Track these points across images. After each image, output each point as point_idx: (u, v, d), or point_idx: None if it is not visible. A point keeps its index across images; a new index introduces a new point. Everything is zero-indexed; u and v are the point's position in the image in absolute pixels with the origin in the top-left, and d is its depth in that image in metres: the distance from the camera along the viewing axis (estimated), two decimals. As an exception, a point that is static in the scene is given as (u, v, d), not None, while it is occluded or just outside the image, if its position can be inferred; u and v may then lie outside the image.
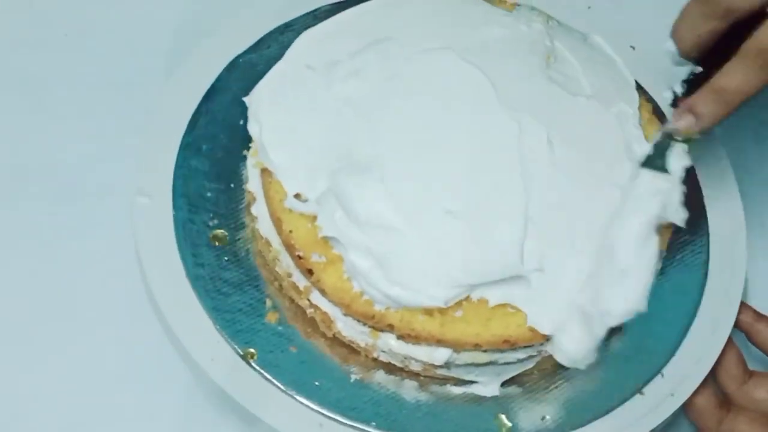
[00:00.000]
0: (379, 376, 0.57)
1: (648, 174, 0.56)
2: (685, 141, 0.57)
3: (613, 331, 0.58)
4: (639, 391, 0.58)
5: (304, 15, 0.67)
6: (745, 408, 0.59)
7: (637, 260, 0.54)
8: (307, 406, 0.55)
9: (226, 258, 0.59)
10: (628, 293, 0.54)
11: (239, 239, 0.59)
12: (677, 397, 0.58)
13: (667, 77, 0.56)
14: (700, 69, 0.56)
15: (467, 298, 0.54)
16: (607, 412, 0.57)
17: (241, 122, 0.61)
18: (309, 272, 0.55)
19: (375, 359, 0.57)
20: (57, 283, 0.62)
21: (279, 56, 0.61)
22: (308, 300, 0.56)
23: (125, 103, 0.68)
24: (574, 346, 0.54)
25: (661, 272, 0.60)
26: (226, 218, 0.60)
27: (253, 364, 0.55)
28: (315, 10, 0.67)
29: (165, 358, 0.59)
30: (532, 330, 0.54)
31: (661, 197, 0.56)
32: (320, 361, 0.57)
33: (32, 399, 0.59)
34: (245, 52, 0.65)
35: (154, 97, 0.63)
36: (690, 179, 0.58)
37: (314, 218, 0.55)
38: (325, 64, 0.60)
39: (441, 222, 0.54)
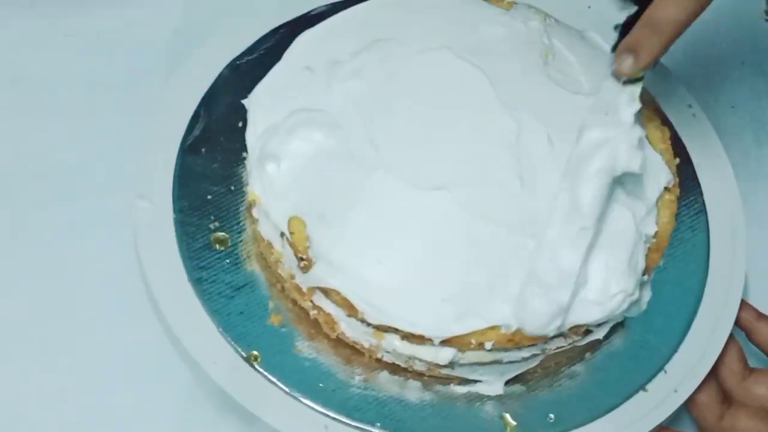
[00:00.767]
0: (383, 377, 0.57)
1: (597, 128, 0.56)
2: (633, 82, 0.56)
3: (615, 328, 0.59)
4: (642, 387, 0.58)
5: (299, 17, 0.66)
6: (745, 404, 0.60)
7: (592, 213, 0.54)
8: (312, 408, 0.55)
9: (227, 260, 0.59)
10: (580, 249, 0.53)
11: (240, 241, 0.59)
12: (681, 393, 0.58)
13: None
14: (635, 8, 0.55)
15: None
16: (612, 409, 0.57)
17: (240, 124, 0.60)
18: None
19: (379, 360, 0.57)
20: (57, 283, 0.62)
21: (276, 58, 0.61)
22: (311, 302, 0.56)
23: (125, 103, 0.68)
24: (535, 318, 0.53)
25: (662, 268, 0.60)
26: (227, 221, 0.60)
27: (257, 366, 0.55)
28: (310, 12, 0.67)
29: (165, 358, 0.59)
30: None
31: (609, 147, 0.55)
32: (324, 363, 0.57)
33: (32, 399, 0.59)
34: (243, 54, 0.64)
35: (154, 97, 0.62)
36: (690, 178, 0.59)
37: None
38: (324, 66, 0.60)
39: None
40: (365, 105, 0.58)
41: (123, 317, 0.61)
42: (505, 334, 0.54)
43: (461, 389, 0.57)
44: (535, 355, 0.56)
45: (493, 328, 0.54)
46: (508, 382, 0.57)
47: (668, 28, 0.53)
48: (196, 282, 0.57)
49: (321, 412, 0.55)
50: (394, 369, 0.57)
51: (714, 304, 0.61)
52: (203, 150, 0.61)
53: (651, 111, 0.62)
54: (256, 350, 0.56)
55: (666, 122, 0.63)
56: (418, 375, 0.57)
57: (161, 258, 0.58)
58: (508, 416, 0.56)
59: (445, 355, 0.55)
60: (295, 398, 0.55)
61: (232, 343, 0.56)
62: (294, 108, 0.58)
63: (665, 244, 0.58)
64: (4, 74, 0.69)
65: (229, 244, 0.59)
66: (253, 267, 0.59)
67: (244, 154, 0.61)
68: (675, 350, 0.59)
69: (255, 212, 0.58)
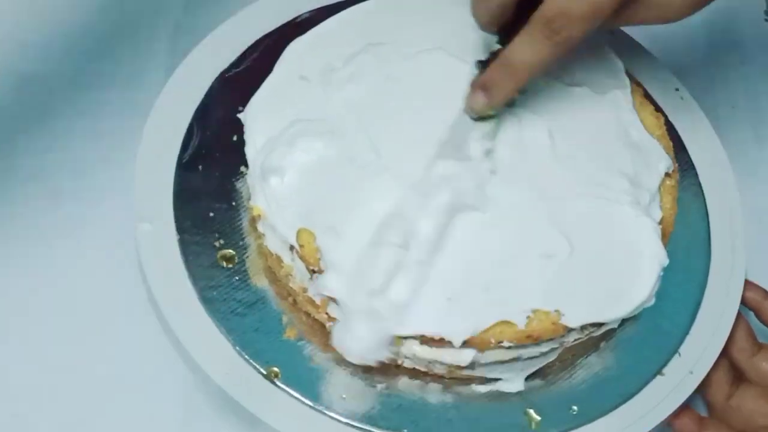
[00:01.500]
0: (403, 383, 0.57)
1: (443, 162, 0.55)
2: (482, 119, 0.56)
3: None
4: (659, 372, 0.58)
5: (283, 25, 0.66)
6: (754, 384, 0.61)
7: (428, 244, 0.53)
8: (339, 421, 0.54)
9: (236, 278, 0.58)
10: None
11: (246, 257, 0.59)
12: (696, 374, 0.59)
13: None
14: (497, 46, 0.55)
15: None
16: (632, 396, 0.57)
17: (235, 138, 0.60)
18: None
19: (398, 365, 0.57)
20: (57, 284, 0.62)
21: (265, 67, 0.60)
22: (326, 313, 0.56)
23: (125, 103, 0.67)
24: (356, 344, 0.53)
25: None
26: (231, 237, 0.59)
27: (278, 383, 0.55)
28: (295, 19, 0.66)
29: (165, 359, 0.59)
30: (555, 323, 0.54)
31: (454, 183, 0.54)
32: (343, 374, 0.56)
33: (32, 399, 0.59)
34: (231, 66, 0.63)
35: (154, 97, 0.61)
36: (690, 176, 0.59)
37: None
38: (319, 73, 0.59)
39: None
40: (363, 110, 0.58)
41: (122, 317, 0.61)
42: (523, 330, 0.54)
43: (482, 388, 0.57)
44: (553, 349, 0.57)
45: (509, 324, 0.54)
46: (527, 378, 0.58)
47: (522, 70, 0.53)
48: (208, 302, 0.56)
49: (348, 424, 0.54)
50: (413, 374, 0.57)
51: (719, 285, 0.62)
52: (200, 167, 0.60)
53: (642, 97, 0.63)
54: (275, 366, 0.55)
55: (658, 109, 0.64)
56: (438, 377, 0.57)
57: (170, 279, 0.57)
58: (531, 411, 0.57)
59: (466, 356, 0.55)
60: (321, 412, 0.54)
61: (251, 360, 0.55)
62: (292, 119, 0.57)
63: (671, 229, 0.59)
64: (4, 74, 0.68)
65: (236, 260, 0.58)
66: (262, 282, 0.58)
67: (243, 169, 0.60)
68: (687, 332, 0.60)
69: (260, 227, 0.58)
